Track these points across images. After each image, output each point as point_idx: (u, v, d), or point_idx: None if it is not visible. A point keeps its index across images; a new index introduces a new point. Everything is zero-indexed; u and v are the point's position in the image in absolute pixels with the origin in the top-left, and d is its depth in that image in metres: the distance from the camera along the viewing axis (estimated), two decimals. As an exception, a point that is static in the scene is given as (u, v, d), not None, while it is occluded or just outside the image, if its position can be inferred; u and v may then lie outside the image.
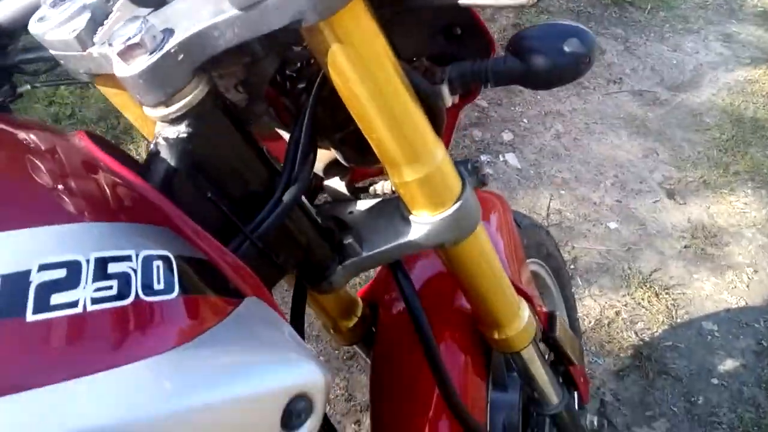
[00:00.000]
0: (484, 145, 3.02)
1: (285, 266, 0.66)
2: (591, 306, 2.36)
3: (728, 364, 2.16)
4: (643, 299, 2.40)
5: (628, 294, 2.42)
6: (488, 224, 1.18)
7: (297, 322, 0.87)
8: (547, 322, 1.10)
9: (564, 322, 1.13)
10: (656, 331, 2.28)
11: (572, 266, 2.52)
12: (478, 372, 1.03)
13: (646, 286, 2.43)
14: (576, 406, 1.24)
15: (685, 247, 2.60)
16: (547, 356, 1.19)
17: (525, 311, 0.98)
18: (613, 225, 2.75)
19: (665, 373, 2.13)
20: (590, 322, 2.30)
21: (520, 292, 1.01)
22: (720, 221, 2.72)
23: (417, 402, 0.98)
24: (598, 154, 3.08)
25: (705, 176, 2.94)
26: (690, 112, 3.35)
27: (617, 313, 2.34)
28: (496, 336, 0.98)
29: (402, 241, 0.67)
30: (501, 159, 2.97)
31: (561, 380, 1.19)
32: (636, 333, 2.27)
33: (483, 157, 2.95)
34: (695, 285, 2.44)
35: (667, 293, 2.41)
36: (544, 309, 1.12)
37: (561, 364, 1.20)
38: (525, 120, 3.20)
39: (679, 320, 2.31)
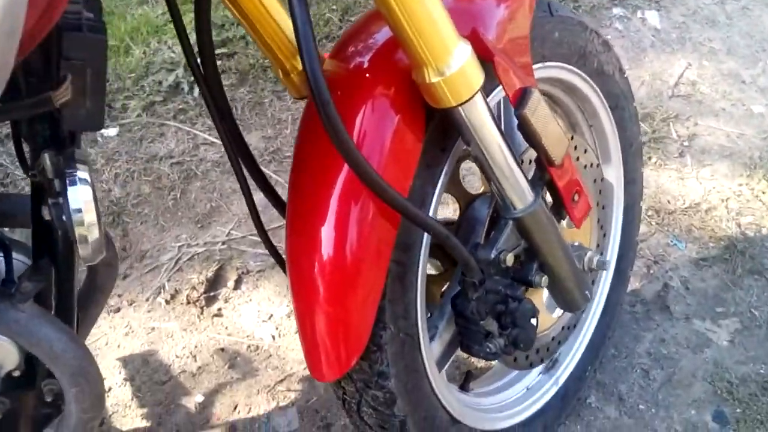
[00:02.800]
0: (624, -3, 2.59)
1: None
2: (693, 187, 2.00)
3: None
4: (764, 192, 1.99)
5: (747, 184, 2.01)
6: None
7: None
8: (519, 97, 0.89)
9: (545, 104, 0.91)
10: (766, 229, 1.89)
11: (686, 143, 2.14)
12: (409, 137, 0.87)
13: (774, 179, 2.00)
14: (549, 216, 1.01)
15: None
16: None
17: (464, 52, 0.80)
18: (757, 109, 2.27)
19: (757, 273, 1.77)
20: (684, 203, 1.96)
21: (479, 46, 0.82)
22: None
23: (329, 174, 0.86)
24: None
25: None
26: None
27: (723, 201, 1.96)
28: (427, 78, 0.80)
29: None
30: (638, 15, 2.53)
31: (536, 181, 0.99)
32: (739, 225, 1.89)
33: (616, 10, 2.54)
34: (840, 189, 1.97)
35: (797, 192, 1.97)
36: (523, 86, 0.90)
37: (541, 167, 0.99)
38: (686, -24, 2.67)
39: (801, 223, 1.89)
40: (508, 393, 1.32)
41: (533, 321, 1.05)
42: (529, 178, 1.00)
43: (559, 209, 1.06)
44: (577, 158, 1.22)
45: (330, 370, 0.89)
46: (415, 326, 0.98)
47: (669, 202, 1.97)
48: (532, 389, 1.36)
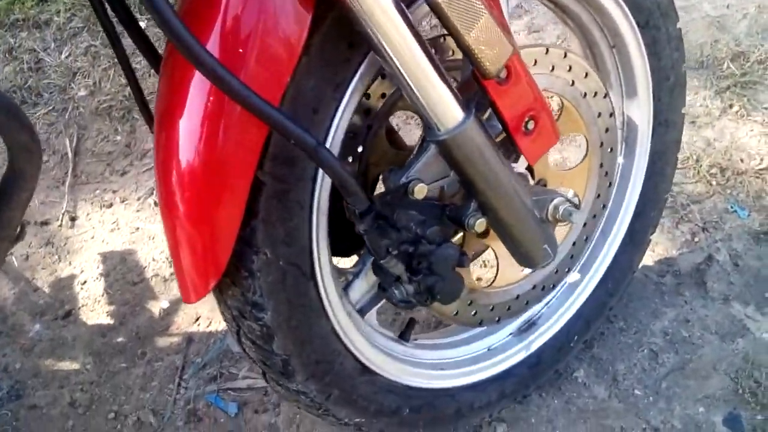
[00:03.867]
0: None
1: None
2: (776, 147, 1.65)
3: None
4: None
5: None
6: None
7: None
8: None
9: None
10: None
11: None
12: (282, 30, 0.69)
13: None
14: (486, 144, 0.79)
15: None
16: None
17: None
18: None
19: (833, 260, 1.44)
20: (761, 164, 1.61)
21: None
22: None
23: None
24: None
25: None
26: None
27: (812, 167, 1.60)
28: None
29: None
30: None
31: (474, 97, 0.78)
32: (826, 199, 1.54)
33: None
34: None
35: None
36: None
37: (473, 81, 0.77)
38: None
39: None
40: (462, 349, 1.15)
41: (458, 270, 0.87)
42: (468, 93, 0.80)
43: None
44: (572, 82, 0.98)
45: (193, 292, 0.77)
46: (303, 256, 0.83)
47: (742, 160, 1.63)
48: (495, 350, 1.18)
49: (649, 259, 1.46)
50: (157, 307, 1.49)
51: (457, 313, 1.02)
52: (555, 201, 0.93)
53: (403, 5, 0.69)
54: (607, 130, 1.06)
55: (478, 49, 0.72)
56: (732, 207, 1.55)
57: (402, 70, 0.72)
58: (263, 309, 0.83)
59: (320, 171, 0.81)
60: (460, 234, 0.92)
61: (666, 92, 1.14)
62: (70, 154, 1.75)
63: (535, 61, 0.93)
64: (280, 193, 0.78)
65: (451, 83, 0.76)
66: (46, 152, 1.77)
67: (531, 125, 0.82)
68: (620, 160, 1.20)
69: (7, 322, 1.50)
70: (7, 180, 1.07)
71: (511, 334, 1.20)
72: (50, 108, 1.83)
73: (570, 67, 0.97)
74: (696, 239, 1.50)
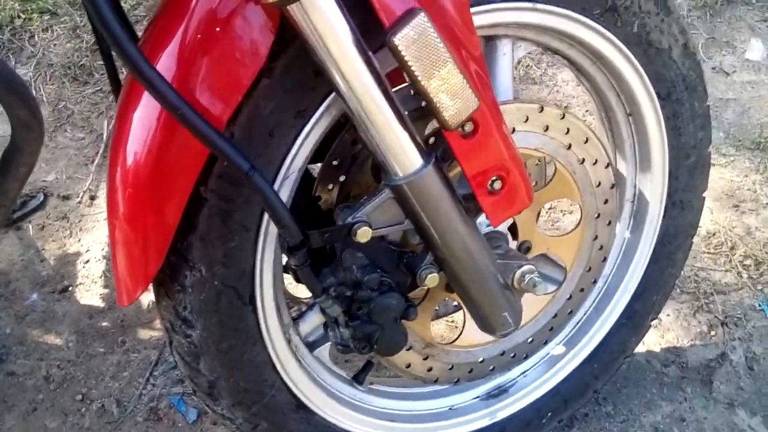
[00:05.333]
0: None
1: None
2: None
3: None
4: None
5: None
6: None
7: None
8: (398, 18, 0.64)
9: (436, 38, 0.65)
10: None
11: None
12: (238, 49, 0.68)
13: None
14: (446, 196, 0.74)
15: None
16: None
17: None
18: None
19: None
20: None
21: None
22: None
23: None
24: None
25: None
26: None
27: None
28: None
29: None
30: None
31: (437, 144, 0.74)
32: None
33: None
34: None
35: None
36: None
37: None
38: None
39: None
40: (421, 403, 1.09)
41: (403, 322, 0.82)
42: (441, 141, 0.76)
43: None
44: (569, 146, 0.92)
45: (125, 294, 0.76)
46: (243, 279, 0.81)
47: (782, 255, 1.50)
48: (457, 411, 1.11)
49: (655, 344, 1.36)
50: (147, 298, 1.50)
51: (409, 365, 0.97)
52: (523, 268, 0.87)
53: (363, 43, 0.66)
54: (606, 201, 0.99)
55: (438, 99, 0.68)
56: (760, 305, 1.42)
57: (358, 110, 0.69)
58: (192, 326, 0.81)
59: (271, 196, 0.78)
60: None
61: (685, 172, 1.06)
62: (104, 135, 1.81)
63: (527, 118, 0.87)
64: (224, 212, 0.76)
65: (412, 128, 0.72)
66: (84, 129, 1.83)
67: (497, 185, 0.77)
68: (627, 234, 1.12)
69: (9, 287, 1.55)
70: (7, 153, 1.11)
71: (478, 397, 1.13)
72: (97, 89, 1.90)
73: (567, 130, 0.90)
74: (713, 333, 1.38)
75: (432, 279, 0.82)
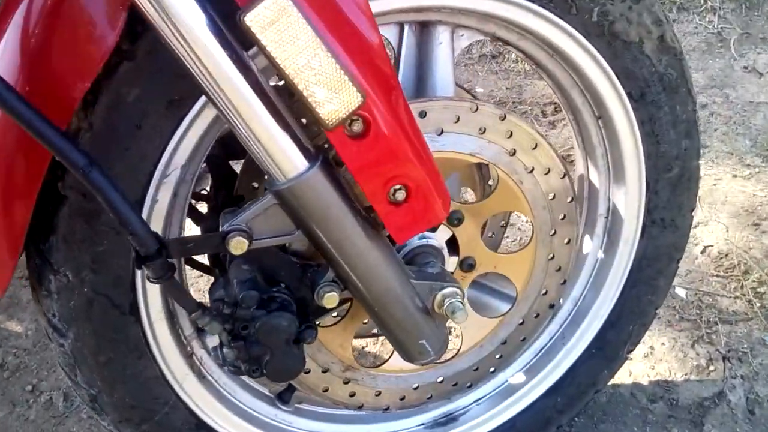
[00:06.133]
0: None
1: None
2: None
3: None
4: None
5: None
6: None
7: None
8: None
9: (303, 22, 0.54)
10: None
11: None
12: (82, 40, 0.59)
13: None
14: (341, 205, 0.64)
15: None
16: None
17: None
18: None
19: None
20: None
21: None
22: None
23: None
24: None
25: None
26: None
27: None
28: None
29: None
30: None
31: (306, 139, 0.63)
32: None
33: None
34: None
35: None
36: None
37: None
38: None
39: None
40: (356, 428, 0.99)
41: (295, 346, 0.72)
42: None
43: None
44: (513, 152, 0.80)
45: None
46: (119, 288, 0.72)
47: (804, 285, 1.31)
48: (397, 439, 1.00)
49: (643, 375, 1.21)
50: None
51: (327, 390, 0.87)
52: (445, 291, 0.75)
53: (223, 27, 0.56)
54: (564, 217, 0.86)
55: (309, 92, 0.57)
56: (771, 339, 1.25)
57: (223, 105, 0.59)
58: (63, 335, 0.73)
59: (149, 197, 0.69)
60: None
61: (666, 186, 0.91)
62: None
63: (458, 119, 0.75)
64: (87, 212, 0.68)
65: (294, 124, 0.62)
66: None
67: (400, 195, 0.65)
68: (600, 254, 0.98)
69: (-20, 270, 1.53)
70: None
71: (423, 424, 1.02)
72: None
73: (510, 133, 0.78)
74: (711, 367, 1.22)
75: (330, 298, 0.71)
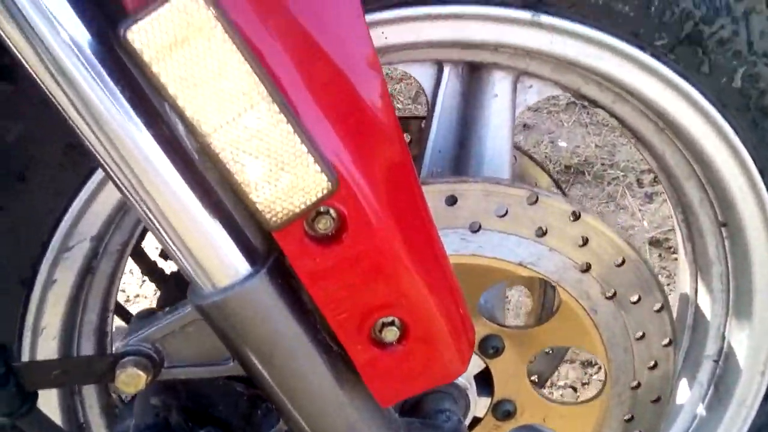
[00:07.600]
0: None
1: None
2: None
3: None
4: None
5: None
6: None
7: None
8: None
9: (226, 41, 0.31)
10: None
11: None
12: None
13: None
14: (290, 325, 0.39)
15: None
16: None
17: None
18: None
19: None
20: None
21: None
22: None
23: None
24: None
25: None
26: None
27: None
28: None
29: None
30: None
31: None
32: None
33: None
34: None
35: None
36: None
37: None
38: None
39: None
40: None
41: None
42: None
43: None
44: (587, 267, 0.53)
45: None
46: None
47: None
48: None
49: None
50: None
51: None
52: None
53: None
54: (654, 365, 0.58)
55: (240, 173, 0.34)
56: None
57: (121, 181, 0.36)
58: None
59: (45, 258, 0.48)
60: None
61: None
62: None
63: (506, 212, 0.50)
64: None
65: (232, 207, 0.39)
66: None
67: (390, 335, 0.41)
68: (701, 411, 0.69)
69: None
70: None
71: None
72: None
73: (585, 241, 0.52)
74: None
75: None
